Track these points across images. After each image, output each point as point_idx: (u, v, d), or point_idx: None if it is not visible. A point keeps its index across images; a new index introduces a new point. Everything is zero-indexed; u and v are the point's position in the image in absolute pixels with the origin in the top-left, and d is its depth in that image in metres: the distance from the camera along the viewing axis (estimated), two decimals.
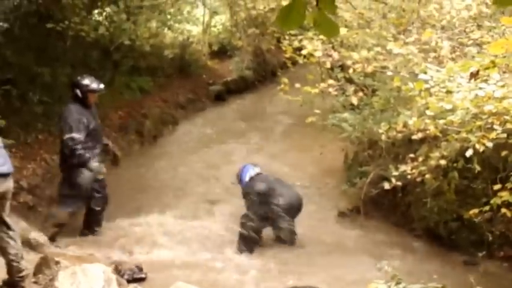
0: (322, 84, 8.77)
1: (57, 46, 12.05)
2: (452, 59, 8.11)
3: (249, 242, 8.50)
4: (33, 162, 10.21)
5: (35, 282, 6.53)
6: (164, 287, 6.64)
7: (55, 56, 11.88)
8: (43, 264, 6.87)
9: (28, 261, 7.01)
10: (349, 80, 9.74)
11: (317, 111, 9.42)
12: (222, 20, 18.93)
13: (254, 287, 7.47)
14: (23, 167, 9.92)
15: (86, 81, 8.79)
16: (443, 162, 7.34)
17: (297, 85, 9.38)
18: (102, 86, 8.89)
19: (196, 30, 17.94)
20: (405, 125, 7.38)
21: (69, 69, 11.98)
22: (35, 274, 6.77)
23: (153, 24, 14.86)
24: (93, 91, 8.78)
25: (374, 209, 9.32)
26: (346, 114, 10.12)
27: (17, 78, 10.69)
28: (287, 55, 10.09)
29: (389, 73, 8.13)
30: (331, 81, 9.29)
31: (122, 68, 14.12)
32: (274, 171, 9.92)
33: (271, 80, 17.14)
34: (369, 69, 8.21)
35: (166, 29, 15.78)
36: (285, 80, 9.63)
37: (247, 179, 8.91)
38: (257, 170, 9.04)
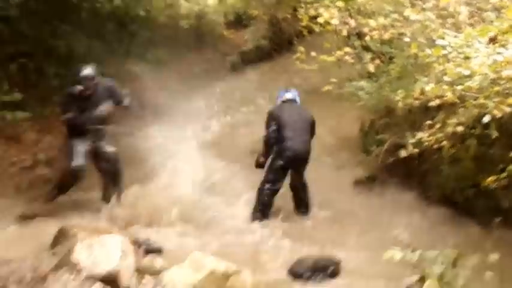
0: (339, 52, 8.66)
1: (72, 18, 12.01)
2: (471, 25, 7.96)
3: (264, 209, 8.53)
4: (49, 135, 10.25)
5: (53, 254, 6.56)
6: (181, 257, 6.66)
7: (71, 28, 11.84)
8: (60, 236, 6.92)
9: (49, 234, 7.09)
10: (366, 48, 9.62)
11: (333, 80, 9.35)
12: None
13: (271, 256, 7.47)
14: (39, 139, 10.00)
15: (80, 70, 8.82)
16: (460, 128, 7.24)
17: (313, 54, 9.31)
18: (85, 72, 8.76)
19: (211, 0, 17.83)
20: (422, 92, 7.28)
21: (85, 41, 11.96)
22: (52, 246, 6.82)
23: None
24: (79, 81, 8.71)
25: (390, 176, 9.26)
26: (362, 83, 10.04)
27: (33, 52, 10.71)
28: (303, 23, 9.97)
29: (406, 40, 8.00)
30: (347, 49, 9.18)
31: (138, 39, 14.05)
32: None
33: (288, 49, 16.89)
34: (386, 36, 8.07)
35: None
36: (301, 48, 9.52)
37: (278, 101, 9.20)
38: (290, 96, 9.28)
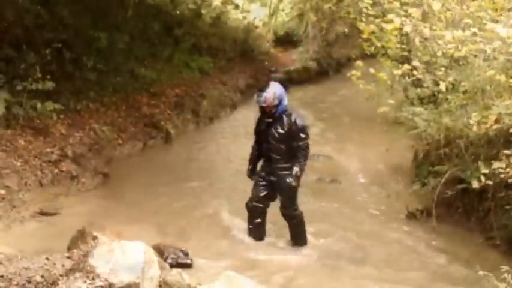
0: (406, 66, 7.90)
1: (117, 13, 11.54)
2: None
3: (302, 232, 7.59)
4: (81, 130, 9.69)
5: (68, 257, 5.78)
6: (212, 276, 5.89)
7: (114, 22, 11.40)
8: (79, 238, 6.19)
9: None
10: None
11: (388, 104, 8.71)
12: (289, 5, 18.40)
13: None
14: (69, 134, 9.45)
15: None
16: None
17: (372, 70, 8.62)
18: None
19: (262, 14, 17.49)
20: (498, 119, 6.48)
21: (128, 38, 11.47)
22: (69, 248, 6.08)
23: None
24: None
25: (447, 212, 8.38)
26: (420, 109, 9.28)
27: (71, 41, 10.19)
28: (364, 36, 9.29)
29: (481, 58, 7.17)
30: (407, 66, 8.42)
31: (182, 45, 13.67)
32: (342, 163, 10.02)
33: (335, 73, 16.58)
34: (463, 52, 7.22)
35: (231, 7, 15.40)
36: (359, 63, 8.82)
37: (285, 102, 7.26)
38: None
